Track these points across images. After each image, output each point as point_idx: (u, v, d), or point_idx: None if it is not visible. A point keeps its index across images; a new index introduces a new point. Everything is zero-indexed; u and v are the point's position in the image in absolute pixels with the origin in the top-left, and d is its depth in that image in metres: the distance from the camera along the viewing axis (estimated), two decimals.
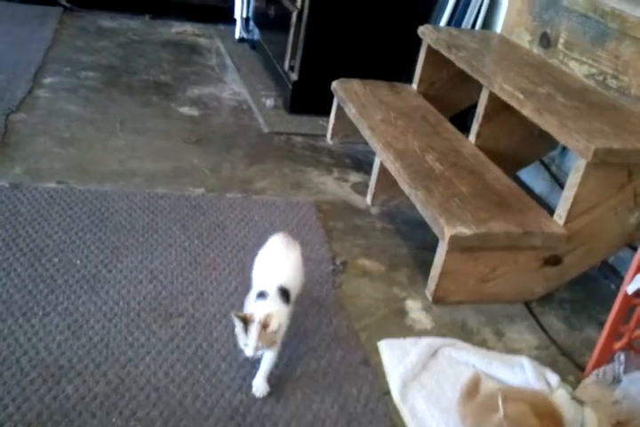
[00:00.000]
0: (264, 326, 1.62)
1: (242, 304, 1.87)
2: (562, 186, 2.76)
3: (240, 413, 1.65)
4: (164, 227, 2.38)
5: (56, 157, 2.78)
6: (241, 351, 1.67)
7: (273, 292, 1.74)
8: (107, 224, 2.34)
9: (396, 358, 1.90)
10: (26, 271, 2.04)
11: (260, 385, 1.70)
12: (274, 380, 1.75)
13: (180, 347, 1.82)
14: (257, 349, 1.63)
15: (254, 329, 1.62)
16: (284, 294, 1.76)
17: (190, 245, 2.30)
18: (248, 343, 1.63)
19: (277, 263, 1.88)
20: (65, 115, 3.19)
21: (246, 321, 1.63)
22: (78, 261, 2.12)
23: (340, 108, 3.25)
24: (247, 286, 1.90)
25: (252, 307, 1.73)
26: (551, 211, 2.28)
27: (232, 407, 1.66)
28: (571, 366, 1.99)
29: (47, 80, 3.55)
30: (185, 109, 3.49)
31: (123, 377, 1.69)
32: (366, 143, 2.91)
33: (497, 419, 1.48)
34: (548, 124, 2.24)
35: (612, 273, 2.48)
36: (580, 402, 1.66)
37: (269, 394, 1.70)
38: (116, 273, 2.09)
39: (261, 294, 1.74)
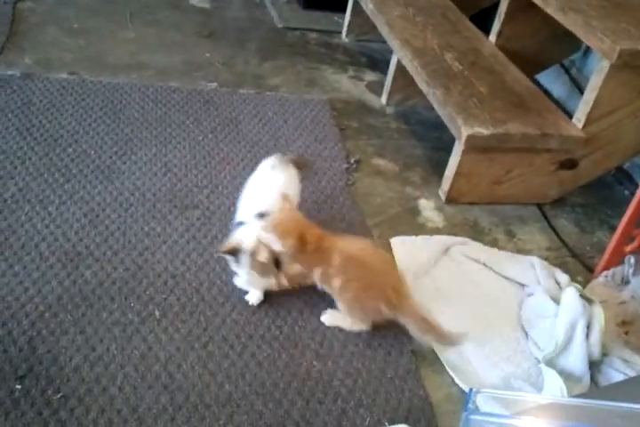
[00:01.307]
0: (253, 255, 1.59)
1: None
2: (581, 90, 2.70)
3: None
4: (177, 121, 2.35)
5: (66, 48, 2.71)
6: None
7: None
8: (120, 116, 2.32)
9: (409, 254, 1.93)
10: (40, 160, 2.04)
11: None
12: None
13: (196, 237, 1.84)
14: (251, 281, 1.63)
15: (245, 261, 1.59)
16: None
17: (204, 139, 2.28)
18: (241, 275, 1.63)
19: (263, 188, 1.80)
20: (73, 4, 3.09)
21: (235, 252, 1.60)
22: (92, 152, 2.11)
23: (356, 4, 3.13)
24: None
25: (238, 233, 1.65)
26: (569, 115, 2.24)
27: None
28: (580, 267, 2.02)
29: None
30: (196, 1, 3.37)
31: (140, 264, 1.73)
32: (383, 41, 2.83)
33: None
34: (572, 23, 2.16)
35: (626, 179, 2.47)
36: (589, 300, 1.69)
37: None
38: (131, 165, 2.09)
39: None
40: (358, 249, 1.65)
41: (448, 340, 1.60)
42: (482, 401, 1.28)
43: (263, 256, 1.58)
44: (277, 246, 1.58)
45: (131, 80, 2.56)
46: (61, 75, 2.51)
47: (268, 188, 1.77)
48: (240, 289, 1.70)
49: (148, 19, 3.09)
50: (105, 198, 1.93)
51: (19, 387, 1.37)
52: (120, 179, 2.02)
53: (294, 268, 1.64)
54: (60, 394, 1.37)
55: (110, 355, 1.47)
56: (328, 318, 1.68)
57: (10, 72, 2.46)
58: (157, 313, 1.59)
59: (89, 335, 1.51)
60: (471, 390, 1.23)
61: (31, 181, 1.94)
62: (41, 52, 2.65)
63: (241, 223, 1.71)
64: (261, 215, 1.66)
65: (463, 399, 1.53)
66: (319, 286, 1.67)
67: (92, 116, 2.29)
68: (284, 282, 1.67)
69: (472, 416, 1.17)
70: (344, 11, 3.25)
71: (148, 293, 1.65)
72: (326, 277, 1.62)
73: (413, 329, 1.60)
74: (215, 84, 2.65)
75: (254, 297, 1.68)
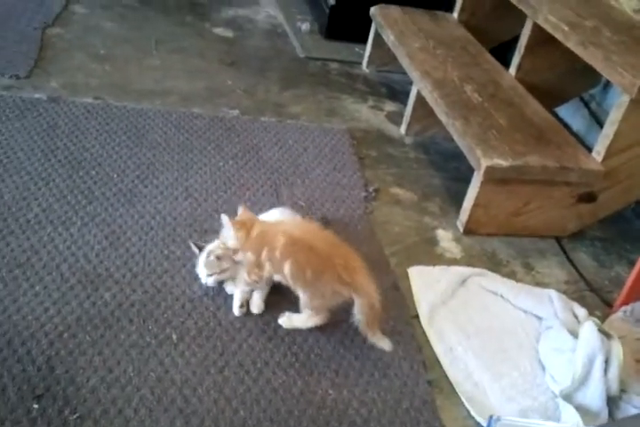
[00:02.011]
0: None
1: None
2: (600, 124, 2.72)
3: (272, 327, 1.69)
4: (198, 146, 2.39)
5: (92, 73, 2.77)
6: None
7: None
8: (143, 141, 2.35)
9: (426, 284, 1.93)
10: (64, 182, 2.07)
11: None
12: None
13: None
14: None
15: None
16: None
17: (225, 165, 2.31)
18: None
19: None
20: (100, 31, 3.16)
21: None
22: (115, 175, 2.14)
23: (377, 35, 3.18)
24: None
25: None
26: (588, 149, 2.25)
27: (263, 321, 1.70)
28: (598, 301, 2.00)
29: None
30: (219, 30, 3.44)
31: (159, 287, 1.74)
32: (403, 72, 2.86)
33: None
34: (592, 57, 2.18)
35: None
36: (608, 335, 1.68)
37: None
38: (152, 189, 2.11)
39: None
40: (303, 232, 1.68)
41: (372, 338, 1.63)
42: None
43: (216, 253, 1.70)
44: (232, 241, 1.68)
45: (154, 106, 2.60)
46: (87, 99, 2.56)
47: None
48: (258, 315, 1.71)
49: (173, 46, 3.15)
50: (126, 221, 1.95)
51: (36, 406, 1.37)
52: (141, 202, 2.04)
53: (247, 257, 1.69)
54: (77, 415, 1.37)
55: (127, 377, 1.47)
56: (285, 320, 1.70)
57: (37, 95, 2.51)
58: (175, 336, 1.60)
59: (106, 357, 1.51)
60: (491, 417, 1.23)
61: (54, 203, 1.97)
62: (67, 76, 2.70)
63: None
64: None
65: None
66: (276, 277, 1.70)
67: (115, 140, 2.33)
68: (251, 277, 1.71)
69: None
70: (365, 42, 3.30)
71: (165, 316, 1.66)
72: (275, 261, 1.64)
73: (357, 310, 1.62)
74: (237, 111, 2.68)
75: (255, 306, 1.73)
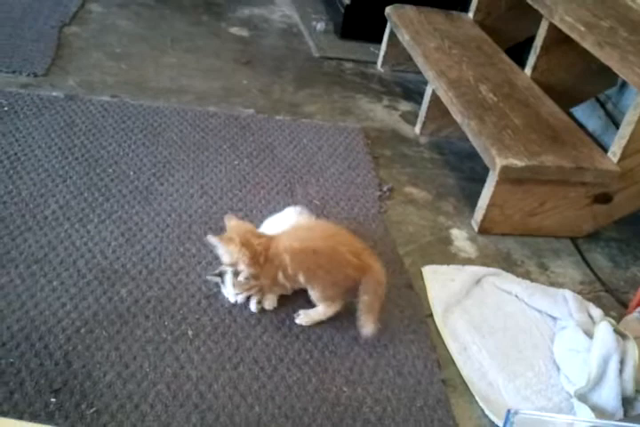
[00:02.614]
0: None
1: None
2: (616, 125, 2.71)
3: (286, 324, 1.70)
4: (214, 145, 2.40)
5: (109, 71, 2.79)
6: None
7: None
8: (159, 139, 2.37)
9: (440, 283, 1.93)
10: (81, 180, 2.08)
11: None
12: None
13: None
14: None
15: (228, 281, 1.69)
16: None
17: (240, 163, 2.32)
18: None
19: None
20: (117, 30, 3.18)
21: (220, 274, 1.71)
22: (132, 173, 2.16)
23: (392, 35, 3.18)
24: None
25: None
26: (604, 150, 2.24)
27: (278, 318, 1.71)
28: (613, 302, 2.00)
29: None
30: (235, 30, 3.45)
31: (175, 284, 1.75)
32: (417, 72, 2.87)
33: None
34: (608, 57, 2.17)
35: None
36: (623, 335, 1.67)
37: None
38: (168, 186, 2.12)
39: None
40: (301, 240, 1.68)
41: (365, 320, 1.65)
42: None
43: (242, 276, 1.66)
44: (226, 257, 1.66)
45: (170, 104, 2.61)
46: (103, 97, 2.57)
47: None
48: (272, 312, 1.72)
49: (189, 45, 3.17)
50: (142, 219, 1.96)
51: (53, 400, 1.39)
52: (157, 200, 2.05)
53: (264, 282, 1.70)
54: (94, 409, 1.38)
55: (143, 372, 1.48)
56: (303, 318, 1.71)
57: (54, 93, 2.53)
58: (190, 333, 1.61)
59: (123, 352, 1.52)
60: (509, 411, 1.23)
61: (71, 200, 1.99)
62: (84, 74, 2.72)
63: None
64: None
65: None
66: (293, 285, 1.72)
67: (132, 138, 2.34)
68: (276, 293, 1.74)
69: None
70: (380, 41, 3.31)
71: (181, 312, 1.67)
72: (289, 277, 1.67)
73: (363, 289, 1.65)
74: (252, 110, 2.70)
75: (268, 303, 1.73)
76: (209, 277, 1.74)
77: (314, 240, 1.69)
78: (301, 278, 1.67)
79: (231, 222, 1.72)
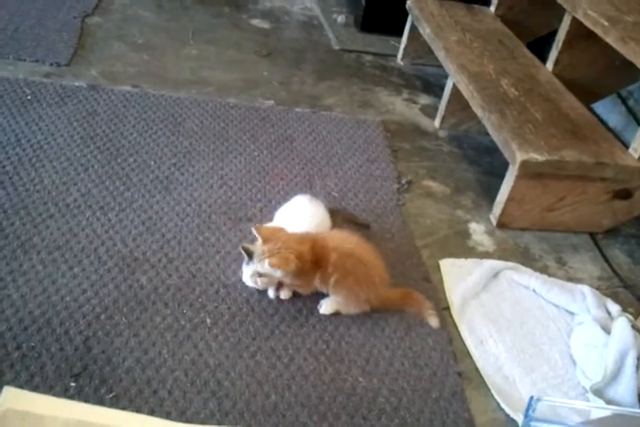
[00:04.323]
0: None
1: None
2: (638, 121, 2.69)
3: (303, 314, 1.71)
4: (234, 136, 2.41)
5: (130, 62, 2.81)
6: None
7: None
8: (179, 129, 2.38)
9: (458, 276, 1.93)
10: (103, 168, 2.10)
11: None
12: None
13: None
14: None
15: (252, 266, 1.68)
16: None
17: (259, 155, 2.33)
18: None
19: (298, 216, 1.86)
20: (139, 21, 3.20)
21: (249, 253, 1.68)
22: (152, 163, 2.17)
23: (413, 29, 3.17)
24: None
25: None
26: (625, 146, 2.23)
27: (295, 308, 1.72)
28: (632, 298, 1.99)
29: None
30: (256, 22, 3.46)
31: (194, 272, 1.76)
32: (438, 66, 2.86)
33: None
34: (632, 53, 2.15)
35: None
36: None
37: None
38: (189, 176, 2.14)
39: None
40: (352, 245, 1.71)
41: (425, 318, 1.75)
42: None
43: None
44: (279, 274, 1.65)
45: (191, 95, 2.63)
46: (125, 87, 2.59)
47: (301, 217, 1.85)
48: (290, 302, 1.73)
49: (210, 37, 3.18)
50: (162, 208, 1.98)
51: (73, 384, 1.41)
52: (178, 190, 2.07)
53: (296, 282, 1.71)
54: (113, 394, 1.40)
55: (162, 359, 1.50)
56: (326, 307, 1.72)
57: (77, 83, 2.55)
58: (209, 321, 1.62)
59: (142, 339, 1.54)
60: (532, 397, 1.24)
61: (93, 188, 2.01)
62: (106, 65, 2.74)
63: None
64: None
65: (508, 424, 1.52)
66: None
67: (152, 128, 2.36)
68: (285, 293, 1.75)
69: (533, 423, 1.17)
70: (400, 34, 3.30)
71: (200, 300, 1.68)
72: (325, 277, 1.68)
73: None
74: (272, 101, 2.70)
75: (284, 293, 1.74)
76: (241, 248, 1.68)
77: (359, 251, 1.72)
78: (332, 280, 1.68)
79: (263, 232, 1.67)
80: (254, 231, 1.67)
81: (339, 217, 1.97)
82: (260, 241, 1.66)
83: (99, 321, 1.57)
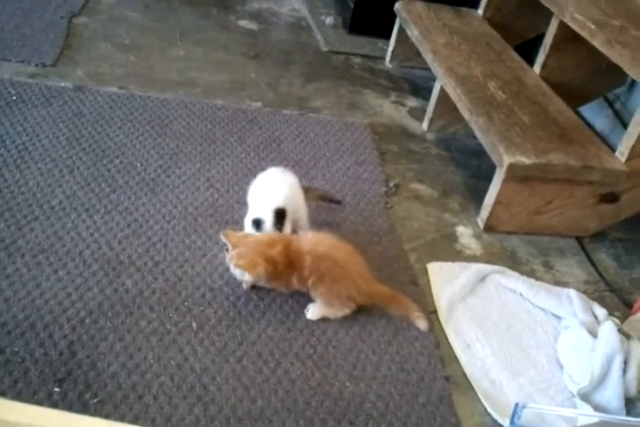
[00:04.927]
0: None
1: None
2: (624, 124, 2.70)
3: (291, 318, 1.70)
4: (221, 138, 2.40)
5: (117, 63, 2.79)
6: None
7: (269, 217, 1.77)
8: (166, 131, 2.37)
9: (445, 280, 1.93)
10: (88, 170, 2.09)
11: None
12: None
13: None
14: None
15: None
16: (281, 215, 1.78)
17: (247, 157, 2.32)
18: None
19: (273, 187, 1.86)
20: (126, 21, 3.18)
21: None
22: (139, 164, 2.16)
23: (401, 31, 3.17)
24: None
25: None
26: (612, 149, 2.24)
27: (283, 313, 1.71)
28: (618, 302, 2.00)
29: None
30: (244, 23, 3.44)
31: (180, 276, 1.75)
32: (426, 68, 2.86)
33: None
34: (619, 56, 2.17)
35: None
36: (627, 335, 1.67)
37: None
38: (175, 178, 2.13)
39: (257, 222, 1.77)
40: (326, 247, 1.71)
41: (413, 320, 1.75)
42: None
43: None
44: (248, 278, 1.66)
45: (178, 96, 2.61)
46: (111, 88, 2.57)
47: (274, 191, 1.83)
48: (277, 306, 1.72)
49: (197, 38, 3.16)
50: (149, 210, 1.97)
51: (57, 390, 1.39)
52: (164, 192, 2.05)
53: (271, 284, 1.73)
54: (97, 399, 1.39)
55: (147, 364, 1.49)
56: (313, 312, 1.72)
57: (63, 84, 2.53)
58: (195, 325, 1.61)
59: (127, 343, 1.53)
60: (517, 404, 1.23)
61: (78, 190, 1.99)
62: (93, 65, 2.72)
63: (257, 221, 1.77)
64: (257, 222, 1.76)
65: None
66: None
67: (139, 129, 2.34)
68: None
69: None
70: (389, 37, 3.30)
71: (186, 304, 1.67)
72: (302, 279, 1.69)
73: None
74: (259, 103, 2.69)
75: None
76: (222, 236, 1.68)
77: (334, 251, 1.71)
78: (310, 281, 1.69)
79: (232, 239, 1.67)
80: (222, 237, 1.68)
81: (311, 193, 2.00)
82: (229, 246, 1.65)
83: (83, 325, 1.55)
